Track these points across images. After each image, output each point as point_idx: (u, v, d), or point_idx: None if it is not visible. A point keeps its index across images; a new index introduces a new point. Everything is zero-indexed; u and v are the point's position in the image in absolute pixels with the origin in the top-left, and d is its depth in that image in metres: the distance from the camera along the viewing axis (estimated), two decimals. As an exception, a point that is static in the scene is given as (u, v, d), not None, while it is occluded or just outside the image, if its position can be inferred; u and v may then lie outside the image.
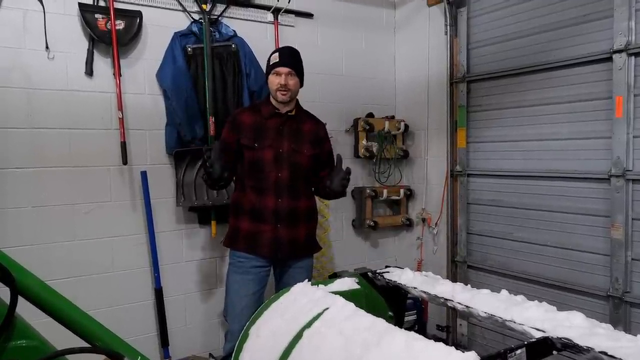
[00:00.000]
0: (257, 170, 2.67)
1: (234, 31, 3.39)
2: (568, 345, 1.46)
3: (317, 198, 2.94)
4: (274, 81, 2.66)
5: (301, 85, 2.78)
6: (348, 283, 2.15)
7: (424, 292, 2.01)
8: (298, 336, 1.63)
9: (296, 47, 2.79)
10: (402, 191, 4.13)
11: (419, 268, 4.04)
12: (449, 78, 3.76)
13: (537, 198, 3.23)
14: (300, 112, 2.81)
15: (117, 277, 3.15)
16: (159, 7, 3.21)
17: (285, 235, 2.69)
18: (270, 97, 2.74)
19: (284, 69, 2.65)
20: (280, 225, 2.68)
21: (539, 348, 1.49)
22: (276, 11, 3.61)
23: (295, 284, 2.03)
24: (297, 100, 2.80)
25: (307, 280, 2.05)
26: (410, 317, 3.40)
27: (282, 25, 3.66)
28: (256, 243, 2.68)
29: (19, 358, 1.13)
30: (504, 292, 1.90)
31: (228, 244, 2.79)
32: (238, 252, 2.73)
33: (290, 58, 2.69)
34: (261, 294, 2.74)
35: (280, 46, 2.78)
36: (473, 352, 1.30)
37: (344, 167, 2.67)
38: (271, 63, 2.70)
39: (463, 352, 1.30)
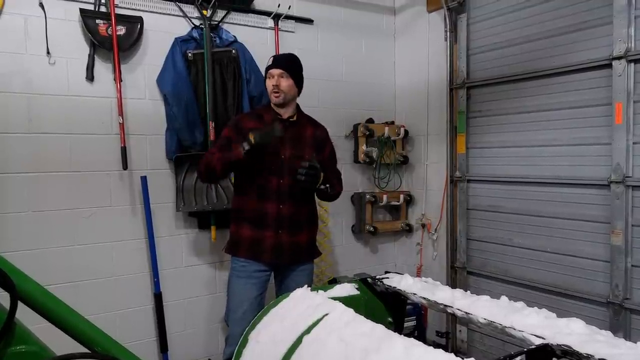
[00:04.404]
0: (259, 177, 2.67)
1: (235, 37, 3.41)
2: (568, 352, 1.46)
3: (316, 202, 2.94)
4: (268, 84, 2.71)
5: (300, 89, 2.79)
6: (347, 289, 2.16)
7: (424, 298, 2.01)
8: (297, 342, 1.63)
9: (296, 53, 2.80)
10: (401, 197, 4.13)
11: (418, 274, 4.03)
12: (449, 84, 3.77)
13: (536, 204, 3.23)
14: (301, 118, 2.82)
15: (117, 282, 3.14)
16: (159, 13, 3.22)
17: (287, 241, 2.69)
18: (271, 102, 2.76)
19: (275, 71, 2.68)
20: (282, 231, 2.68)
21: (539, 355, 1.49)
22: (276, 17, 3.62)
23: (296, 288, 2.04)
24: (297, 105, 2.81)
25: (306, 285, 2.06)
26: (409, 323, 3.39)
27: (282, 31, 3.67)
28: (258, 249, 2.68)
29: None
30: (504, 298, 1.90)
31: (230, 251, 2.79)
32: (240, 258, 2.73)
33: (283, 61, 2.73)
34: (262, 298, 2.74)
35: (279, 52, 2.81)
36: (473, 358, 1.30)
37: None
38: (266, 67, 2.76)
39: (463, 358, 1.31)
